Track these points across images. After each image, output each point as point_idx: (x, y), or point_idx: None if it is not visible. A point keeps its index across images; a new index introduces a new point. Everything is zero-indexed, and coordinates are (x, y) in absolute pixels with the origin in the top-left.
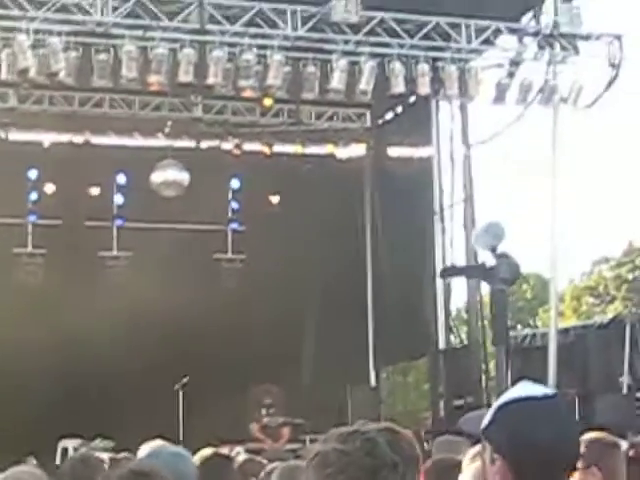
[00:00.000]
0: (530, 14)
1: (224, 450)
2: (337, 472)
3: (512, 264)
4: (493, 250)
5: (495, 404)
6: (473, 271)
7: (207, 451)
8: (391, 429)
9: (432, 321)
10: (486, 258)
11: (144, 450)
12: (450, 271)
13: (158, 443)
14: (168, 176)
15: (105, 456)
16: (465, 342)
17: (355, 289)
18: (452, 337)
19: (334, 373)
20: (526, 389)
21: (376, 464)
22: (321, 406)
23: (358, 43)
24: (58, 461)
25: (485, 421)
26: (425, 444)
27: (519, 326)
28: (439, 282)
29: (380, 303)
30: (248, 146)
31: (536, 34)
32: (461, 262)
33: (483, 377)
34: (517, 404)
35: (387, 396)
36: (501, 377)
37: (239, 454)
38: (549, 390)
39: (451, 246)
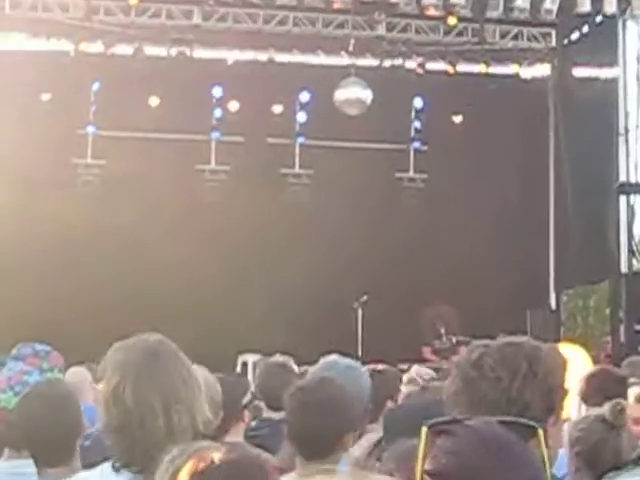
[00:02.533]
0: None
1: (403, 367)
2: (452, 384)
3: None
4: None
5: None
6: None
7: (380, 366)
8: (517, 344)
9: (615, 244)
10: None
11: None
12: (629, 187)
13: (334, 357)
14: (351, 94)
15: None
16: None
17: (537, 211)
18: (635, 261)
19: (514, 295)
20: None
21: (477, 376)
22: (500, 328)
23: None
24: None
25: None
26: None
27: None
28: (623, 205)
29: (562, 225)
30: (431, 65)
31: None
32: None
33: None
34: None
35: (567, 319)
36: None
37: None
38: None
39: (636, 169)
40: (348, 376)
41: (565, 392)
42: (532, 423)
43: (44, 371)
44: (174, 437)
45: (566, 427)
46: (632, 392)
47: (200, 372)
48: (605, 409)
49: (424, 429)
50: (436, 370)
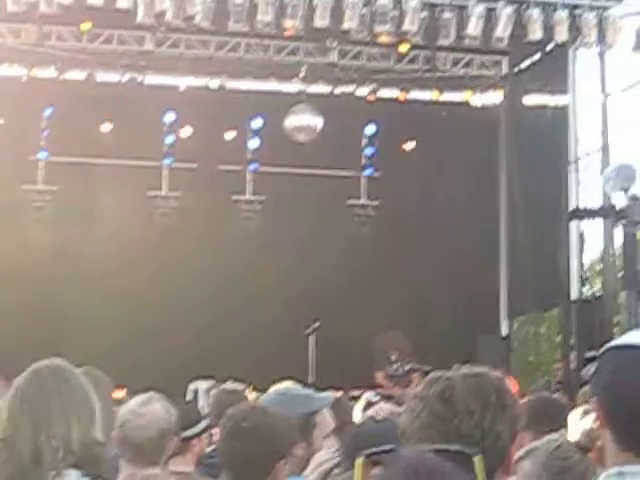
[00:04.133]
0: None
1: (355, 394)
2: (415, 417)
3: None
4: (625, 192)
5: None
6: (603, 212)
7: (337, 393)
8: (480, 374)
9: (565, 272)
10: (617, 201)
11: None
12: (580, 213)
13: (287, 384)
14: (302, 121)
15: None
16: (598, 294)
17: (488, 238)
18: (585, 288)
19: (465, 322)
20: (636, 337)
21: (448, 410)
22: (450, 355)
23: None
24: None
25: (592, 368)
26: (556, 394)
27: None
28: (573, 232)
29: (513, 252)
30: (383, 92)
31: None
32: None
33: (615, 329)
34: (619, 351)
35: (518, 346)
36: (632, 325)
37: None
38: None
39: (586, 196)
40: (295, 404)
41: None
42: (467, 451)
43: None
44: (40, 464)
45: (534, 457)
46: (576, 414)
47: (154, 403)
48: (579, 436)
49: (359, 460)
50: (388, 397)
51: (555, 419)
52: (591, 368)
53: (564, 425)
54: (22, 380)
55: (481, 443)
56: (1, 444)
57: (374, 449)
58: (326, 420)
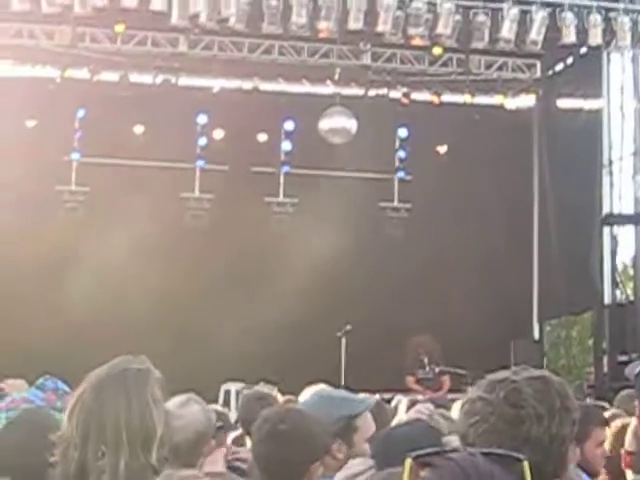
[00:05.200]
0: None
1: (386, 397)
2: (480, 421)
3: None
4: None
5: None
6: (635, 219)
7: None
8: (543, 377)
9: (598, 275)
10: None
11: (305, 394)
12: (613, 219)
13: (320, 387)
14: (336, 123)
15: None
16: (631, 298)
17: (521, 241)
18: (618, 292)
19: (497, 326)
20: None
21: (518, 415)
22: (483, 358)
23: None
24: (221, 403)
25: (637, 369)
26: (588, 399)
27: None
28: (606, 236)
29: (545, 256)
30: (416, 95)
31: None
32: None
33: None
34: None
35: (550, 350)
36: None
37: (400, 402)
38: None
39: (619, 200)
40: (335, 406)
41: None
42: (518, 455)
43: (55, 410)
44: (84, 474)
45: None
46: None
47: (192, 404)
48: None
49: (408, 461)
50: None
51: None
52: (636, 368)
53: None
54: (92, 380)
55: (549, 448)
56: (61, 441)
57: (422, 451)
58: (368, 423)
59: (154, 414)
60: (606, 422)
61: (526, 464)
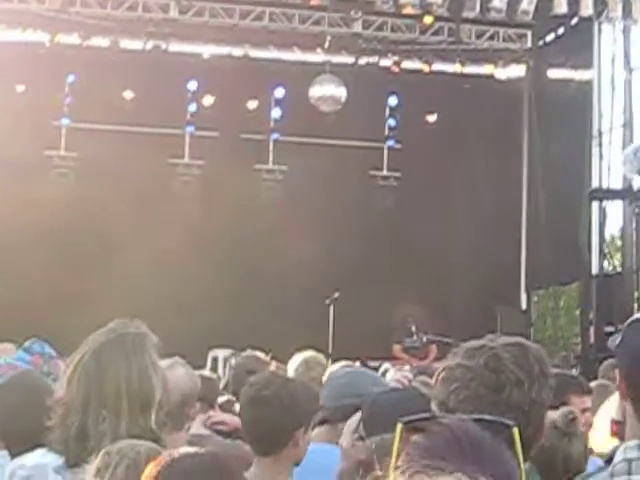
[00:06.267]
0: None
1: (373, 365)
2: (461, 387)
3: None
4: None
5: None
6: (622, 194)
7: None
8: (520, 344)
9: (586, 246)
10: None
11: (295, 361)
12: (600, 194)
13: (309, 353)
14: (326, 91)
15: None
16: (619, 269)
17: (509, 210)
18: (606, 263)
19: (484, 294)
20: None
21: (499, 380)
22: (470, 327)
23: None
24: (208, 369)
25: (617, 339)
26: (574, 369)
27: None
28: (595, 207)
29: (534, 226)
30: (407, 64)
31: None
32: (617, 187)
33: (635, 305)
34: None
35: (537, 320)
36: None
37: (387, 370)
38: None
39: (608, 171)
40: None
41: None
42: (506, 421)
43: (42, 374)
44: (84, 444)
45: None
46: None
47: (178, 367)
48: (557, 416)
49: (399, 426)
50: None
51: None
52: (617, 339)
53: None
54: (91, 345)
55: (529, 413)
56: (59, 405)
57: (413, 416)
58: None
59: (153, 378)
60: (587, 390)
61: (515, 430)
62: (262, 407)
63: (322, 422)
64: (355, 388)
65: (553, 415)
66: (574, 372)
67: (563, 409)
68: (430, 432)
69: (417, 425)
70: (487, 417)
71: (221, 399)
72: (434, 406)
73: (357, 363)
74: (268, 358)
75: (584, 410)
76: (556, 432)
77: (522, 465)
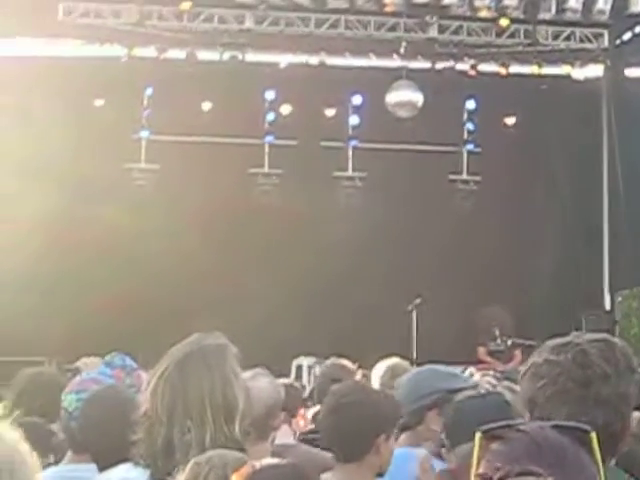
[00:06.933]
0: None
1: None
2: (549, 384)
3: None
4: None
5: None
6: None
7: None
8: (605, 339)
9: None
10: None
11: (380, 368)
12: None
13: (394, 360)
14: (403, 97)
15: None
16: None
17: (591, 212)
18: None
19: (568, 297)
20: None
21: (587, 375)
22: (555, 330)
23: None
24: (292, 377)
25: None
26: None
27: None
28: None
29: (615, 227)
30: (483, 67)
31: None
32: None
33: None
34: None
35: (621, 320)
36: None
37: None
38: None
39: None
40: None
41: None
42: (585, 427)
43: (124, 387)
44: (171, 456)
45: None
46: None
47: (261, 377)
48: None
49: (478, 434)
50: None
51: None
52: None
53: None
54: (174, 357)
55: (617, 408)
56: (144, 419)
57: (493, 424)
58: None
59: (235, 388)
60: None
61: (593, 435)
62: (340, 415)
63: (403, 429)
64: (423, 389)
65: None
66: None
67: (637, 414)
68: (509, 439)
69: (496, 433)
70: (564, 423)
71: (313, 410)
72: (521, 404)
73: None
74: (355, 366)
75: None
76: (633, 439)
77: (601, 470)
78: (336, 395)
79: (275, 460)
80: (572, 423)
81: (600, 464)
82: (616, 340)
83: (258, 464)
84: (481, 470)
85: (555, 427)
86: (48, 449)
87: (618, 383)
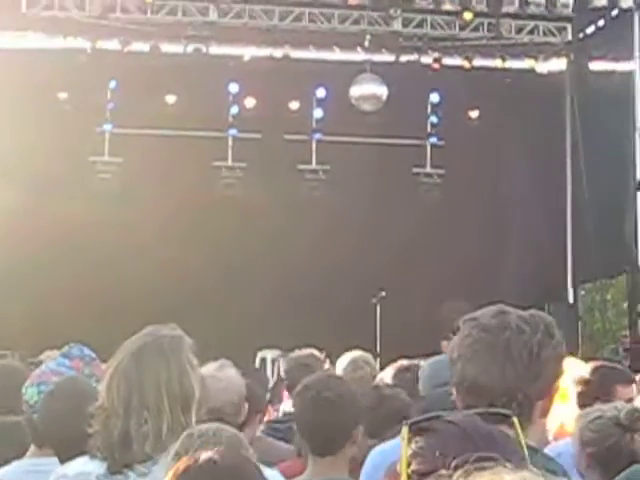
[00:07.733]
0: None
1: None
2: (467, 336)
3: None
4: None
5: None
6: None
7: (404, 362)
8: (532, 313)
9: (632, 238)
10: None
11: (343, 360)
12: None
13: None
14: (366, 90)
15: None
16: None
17: (554, 205)
18: None
19: (531, 290)
20: None
21: (499, 324)
22: None
23: None
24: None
25: None
26: (623, 362)
27: None
28: None
29: (579, 220)
30: (447, 60)
31: None
32: None
33: None
34: None
35: (585, 313)
36: None
37: None
38: None
39: None
40: None
41: (558, 384)
42: (507, 412)
43: (84, 377)
44: (128, 448)
45: (576, 422)
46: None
47: (228, 368)
48: (621, 412)
49: (404, 428)
50: None
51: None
52: None
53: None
54: (129, 349)
55: (528, 367)
56: (100, 411)
57: (419, 417)
58: None
59: (192, 378)
60: (632, 380)
61: (515, 420)
62: (323, 409)
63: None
64: (440, 378)
65: (615, 412)
66: (623, 364)
67: (628, 407)
68: (438, 431)
69: (424, 425)
70: (488, 410)
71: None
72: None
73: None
74: (322, 356)
75: (629, 400)
76: (618, 429)
77: (525, 451)
78: (314, 388)
79: (217, 456)
80: (494, 409)
81: (524, 445)
82: (543, 314)
83: (202, 457)
84: (415, 466)
85: (479, 414)
86: (14, 443)
87: (531, 338)
